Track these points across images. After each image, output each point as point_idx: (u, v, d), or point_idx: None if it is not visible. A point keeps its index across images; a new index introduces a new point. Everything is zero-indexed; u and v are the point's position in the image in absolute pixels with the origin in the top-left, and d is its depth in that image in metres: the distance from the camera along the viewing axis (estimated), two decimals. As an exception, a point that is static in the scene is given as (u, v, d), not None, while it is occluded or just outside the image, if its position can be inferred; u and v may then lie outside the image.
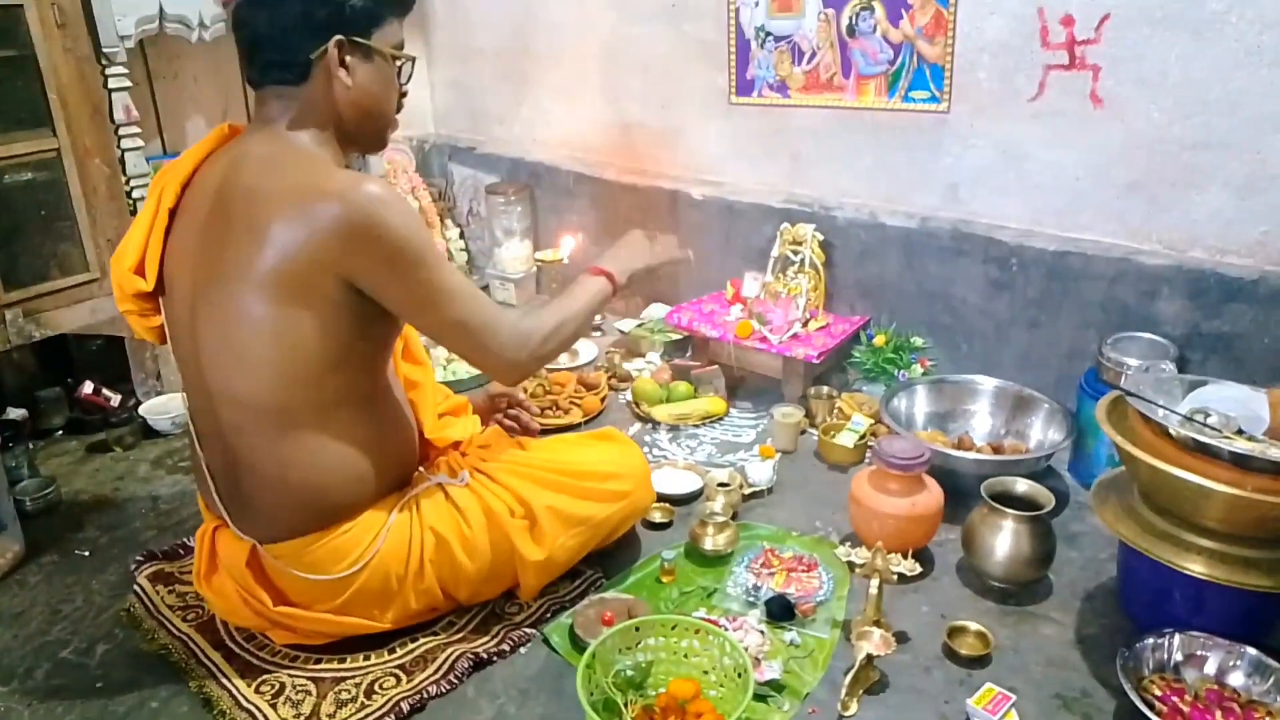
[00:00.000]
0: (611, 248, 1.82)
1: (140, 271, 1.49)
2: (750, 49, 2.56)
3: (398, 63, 1.47)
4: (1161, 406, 1.46)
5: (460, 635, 1.62)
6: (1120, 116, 2.01)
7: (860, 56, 2.36)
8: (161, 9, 2.46)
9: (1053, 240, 2.17)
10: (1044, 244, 2.18)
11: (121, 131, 2.45)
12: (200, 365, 1.44)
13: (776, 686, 1.48)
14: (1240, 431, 1.43)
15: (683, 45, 2.75)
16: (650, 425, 2.42)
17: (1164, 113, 1.96)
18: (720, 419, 2.43)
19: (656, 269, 1.86)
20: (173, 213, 1.46)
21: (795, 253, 2.55)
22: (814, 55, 2.44)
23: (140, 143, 2.49)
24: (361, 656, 1.56)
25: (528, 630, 1.62)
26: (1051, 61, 2.07)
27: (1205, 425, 1.43)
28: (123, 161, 2.47)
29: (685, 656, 1.44)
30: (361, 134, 1.48)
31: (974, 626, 1.58)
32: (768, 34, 2.52)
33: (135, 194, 2.50)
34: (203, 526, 1.62)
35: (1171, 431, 1.40)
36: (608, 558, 1.80)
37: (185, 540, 1.91)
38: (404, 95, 1.52)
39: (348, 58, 1.38)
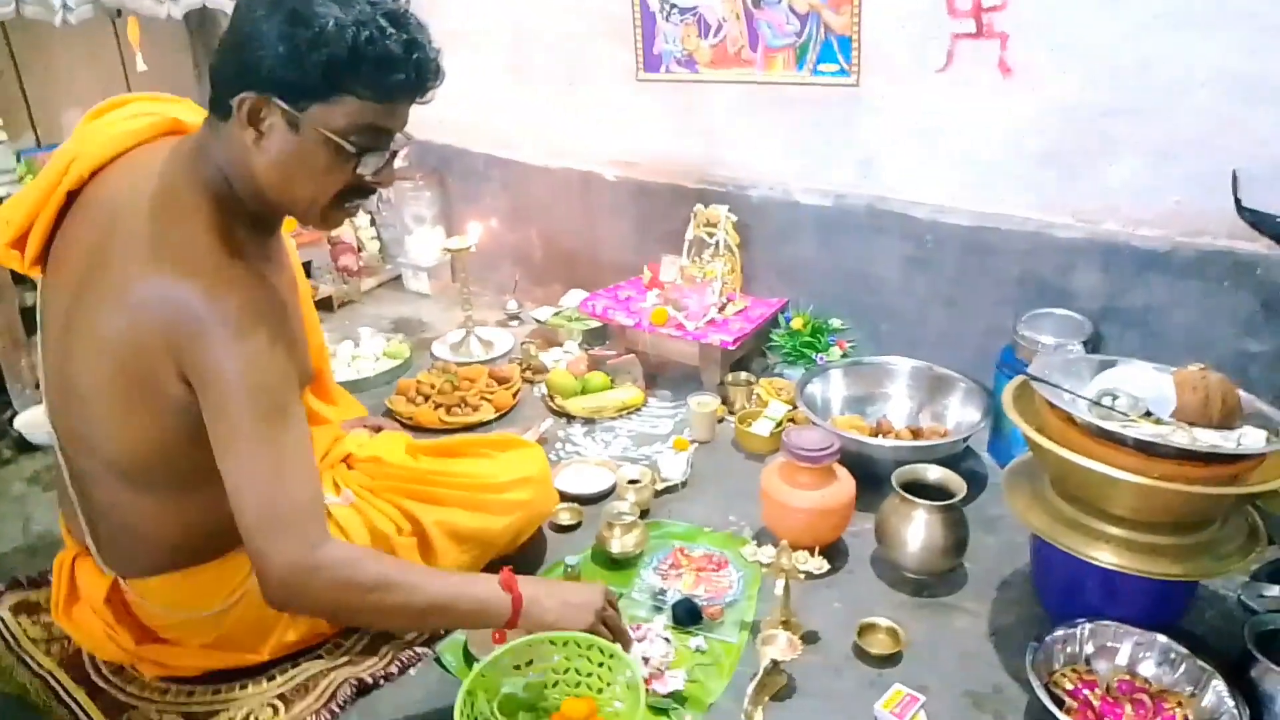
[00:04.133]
0: (553, 584, 1.47)
1: (21, 245, 1.32)
2: (656, 22, 2.46)
3: (350, 146, 1.16)
4: (1067, 391, 1.40)
5: (346, 658, 1.51)
6: (1031, 85, 1.95)
7: (767, 28, 2.26)
8: (17, -12, 2.27)
9: (967, 215, 2.12)
10: (959, 219, 2.13)
11: (-19, 123, 2.27)
12: (66, 380, 1.28)
13: (679, 698, 1.40)
14: (1148, 414, 1.38)
15: (588, 20, 2.63)
16: (565, 420, 2.32)
17: (1074, 80, 1.90)
18: (638, 410, 2.35)
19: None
20: (74, 195, 1.29)
21: (710, 235, 2.46)
22: (720, 28, 2.34)
23: (3, 136, 2.31)
24: (238, 685, 1.45)
25: (419, 649, 1.53)
26: (959, 30, 2.00)
27: (1113, 409, 1.38)
28: (-16, 156, 2.29)
29: (581, 673, 1.36)
30: (261, 207, 1.24)
31: (885, 623, 1.52)
32: (673, 6, 2.41)
33: (1, 190, 2.32)
34: (62, 553, 1.50)
35: (1076, 418, 1.35)
36: (509, 564, 1.70)
37: (56, 566, 1.77)
38: (363, 189, 1.24)
39: (266, 120, 1.15)
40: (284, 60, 1.10)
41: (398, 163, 1.26)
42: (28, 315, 2.34)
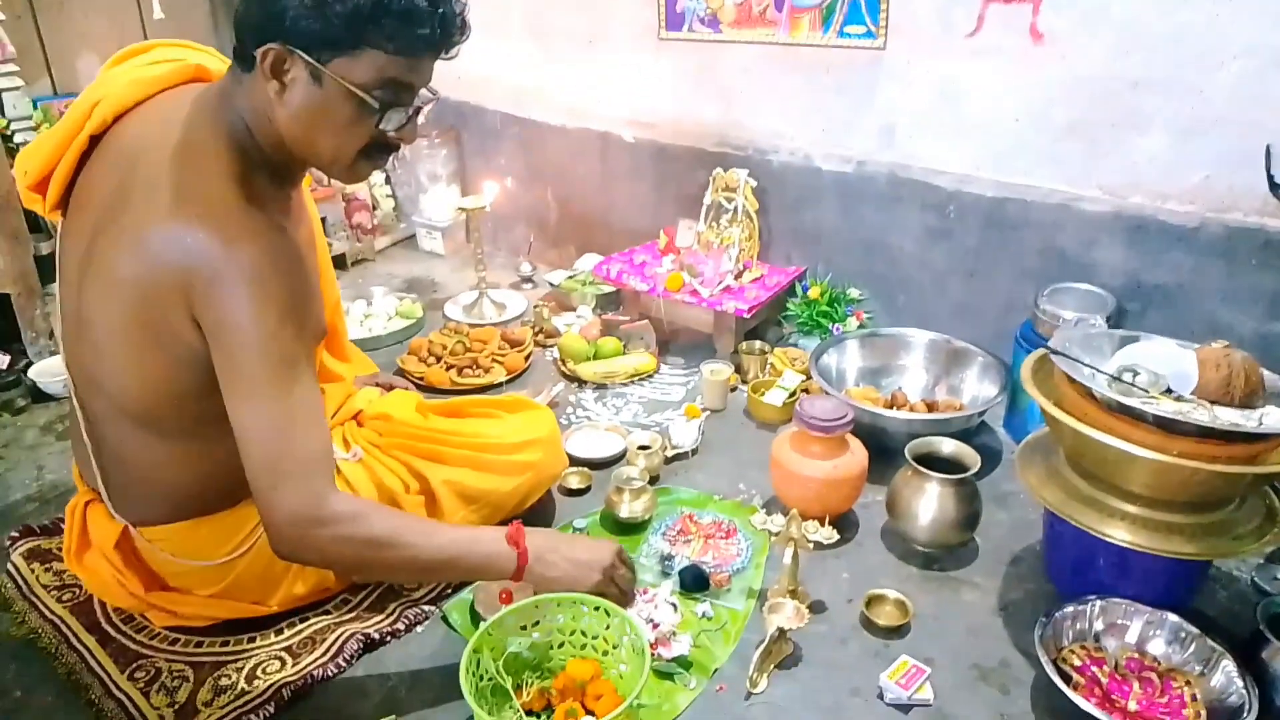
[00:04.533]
0: (563, 539, 1.43)
1: (43, 189, 1.32)
2: (680, -21, 2.41)
3: (373, 101, 1.15)
4: (1087, 365, 1.38)
5: (353, 614, 1.52)
6: (1061, 53, 1.90)
7: (793, -13, 2.22)
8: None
9: (991, 186, 2.07)
10: (982, 190, 2.08)
11: (-4, 69, 2.25)
12: (81, 323, 1.28)
13: (684, 663, 1.40)
14: (1169, 390, 1.35)
15: (611, -25, 2.58)
16: (576, 384, 2.31)
17: (1105, 49, 1.85)
18: (650, 377, 2.33)
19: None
20: (96, 139, 1.28)
21: (729, 200, 2.43)
22: (746, -14, 2.30)
23: (19, 82, 2.30)
24: (246, 638, 1.46)
25: (426, 607, 1.53)
26: (991, -7, 1.95)
27: (1133, 385, 1.35)
28: (0, 103, 2.28)
29: (587, 635, 1.36)
30: (283, 159, 1.22)
31: (893, 595, 1.51)
32: (697, -37, 2.36)
33: (17, 138, 2.31)
34: (75, 499, 1.50)
35: (1095, 393, 1.32)
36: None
37: (68, 514, 1.78)
38: (388, 144, 1.22)
39: (289, 71, 1.13)
40: (308, 12, 1.08)
41: (420, 119, 1.25)
42: (42, 264, 2.34)
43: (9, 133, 2.30)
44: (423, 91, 1.21)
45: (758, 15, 2.30)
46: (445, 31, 1.15)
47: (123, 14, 2.75)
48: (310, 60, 1.11)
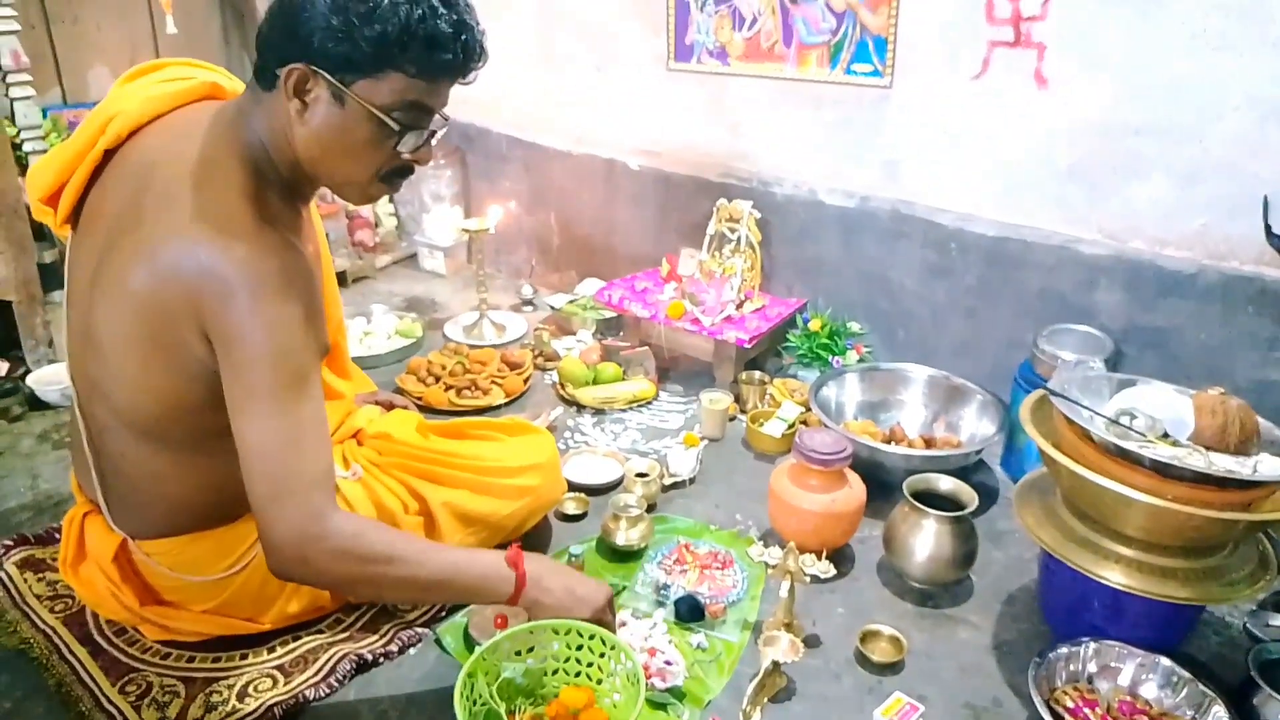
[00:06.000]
0: (562, 568, 1.43)
1: (54, 202, 1.33)
2: (690, 12, 2.44)
3: (392, 123, 1.17)
4: (1085, 408, 1.39)
5: (346, 634, 1.51)
6: (1064, 98, 1.93)
7: (802, 24, 2.24)
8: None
9: (992, 225, 2.10)
10: (984, 229, 2.11)
11: (10, 79, 2.26)
12: (89, 334, 1.28)
13: (678, 694, 1.40)
14: (1165, 435, 1.37)
15: (620, 4, 2.61)
16: (575, 409, 2.32)
17: (1108, 95, 1.88)
18: (648, 403, 2.34)
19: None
20: (110, 153, 1.29)
21: (732, 230, 2.45)
22: (755, 21, 2.33)
23: (31, 91, 2.31)
24: (238, 655, 1.46)
25: (420, 629, 1.53)
26: (996, 38, 1.98)
27: (1131, 429, 1.36)
28: (11, 112, 2.29)
29: (581, 663, 1.36)
30: (296, 178, 1.25)
31: (888, 631, 1.51)
32: (708, -3, 2.40)
33: (26, 146, 2.32)
34: (73, 510, 1.50)
35: (1093, 435, 1.33)
36: (515, 549, 1.70)
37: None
38: (403, 167, 1.25)
39: (311, 91, 1.15)
40: (335, 34, 1.11)
41: (434, 141, 1.27)
42: (45, 272, 2.34)
43: (19, 142, 2.32)
44: (436, 116, 1.23)
45: (766, 50, 2.34)
46: (467, 57, 1.19)
47: (136, 27, 2.76)
48: (334, 81, 1.14)
